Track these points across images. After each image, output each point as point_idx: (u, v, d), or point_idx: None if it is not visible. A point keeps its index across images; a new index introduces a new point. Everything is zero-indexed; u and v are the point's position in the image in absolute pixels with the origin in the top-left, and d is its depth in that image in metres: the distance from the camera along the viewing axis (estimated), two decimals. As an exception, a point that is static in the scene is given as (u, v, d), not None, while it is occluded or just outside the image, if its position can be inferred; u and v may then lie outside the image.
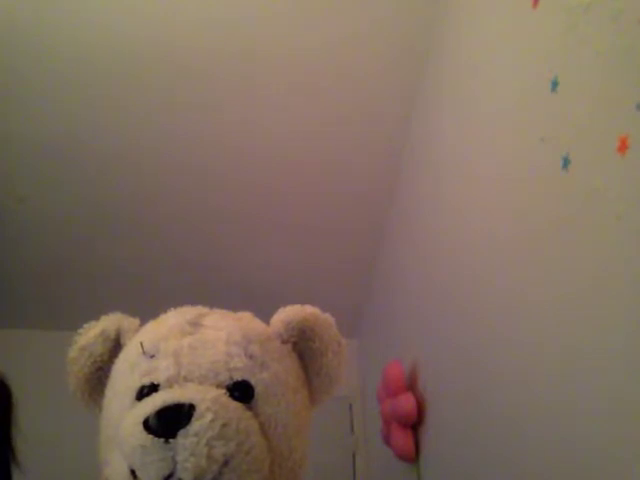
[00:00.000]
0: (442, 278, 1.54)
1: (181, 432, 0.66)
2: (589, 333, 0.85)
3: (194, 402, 0.69)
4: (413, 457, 1.68)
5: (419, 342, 1.72)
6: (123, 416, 0.75)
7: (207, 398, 0.70)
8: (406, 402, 1.66)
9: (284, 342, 0.88)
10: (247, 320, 0.89)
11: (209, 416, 0.68)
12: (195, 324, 0.84)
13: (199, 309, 0.89)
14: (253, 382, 0.78)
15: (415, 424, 1.67)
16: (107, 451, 0.77)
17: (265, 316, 0.93)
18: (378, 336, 2.31)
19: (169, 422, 0.67)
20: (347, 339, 0.93)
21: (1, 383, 0.69)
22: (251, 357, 0.80)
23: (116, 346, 0.90)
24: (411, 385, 1.72)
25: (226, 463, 0.68)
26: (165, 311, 0.91)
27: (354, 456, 2.50)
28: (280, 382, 0.81)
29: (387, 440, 1.79)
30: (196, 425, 0.67)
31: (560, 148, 0.94)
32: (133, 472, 0.68)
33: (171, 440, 0.66)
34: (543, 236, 1.00)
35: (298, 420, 0.82)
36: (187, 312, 0.87)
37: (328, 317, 0.90)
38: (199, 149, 1.96)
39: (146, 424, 0.67)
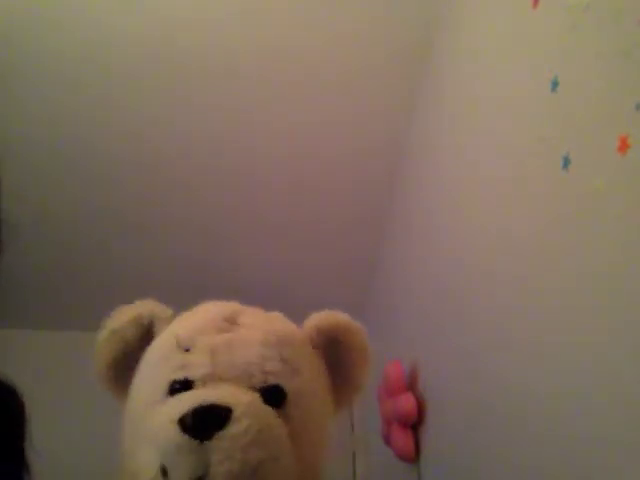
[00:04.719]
0: (442, 278, 1.54)
1: (217, 435, 0.66)
2: (589, 334, 0.85)
3: (231, 405, 0.69)
4: (413, 457, 1.68)
5: (419, 342, 1.72)
6: (154, 409, 0.74)
7: (243, 402, 0.70)
8: (406, 402, 1.65)
9: (315, 347, 0.88)
10: (280, 321, 0.89)
11: (245, 421, 0.68)
12: (231, 321, 0.83)
13: (233, 305, 0.88)
14: (286, 388, 0.78)
15: (415, 424, 1.67)
16: (133, 443, 0.76)
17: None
18: (378, 336, 2.31)
19: (206, 423, 0.66)
20: (347, 339, 0.93)
21: (15, 395, 0.68)
22: (285, 362, 0.80)
23: (147, 334, 0.88)
24: (411, 385, 1.71)
25: (258, 469, 0.67)
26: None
27: (354, 456, 2.50)
28: (310, 390, 0.82)
29: (387, 440, 1.79)
30: (232, 429, 0.67)
31: (560, 148, 0.94)
32: (164, 469, 0.67)
33: (206, 442, 0.65)
34: (543, 236, 1.00)
35: (323, 429, 0.83)
36: (223, 307, 0.87)
37: (359, 325, 0.90)
38: (200, 149, 1.96)
39: (182, 423, 0.67)
